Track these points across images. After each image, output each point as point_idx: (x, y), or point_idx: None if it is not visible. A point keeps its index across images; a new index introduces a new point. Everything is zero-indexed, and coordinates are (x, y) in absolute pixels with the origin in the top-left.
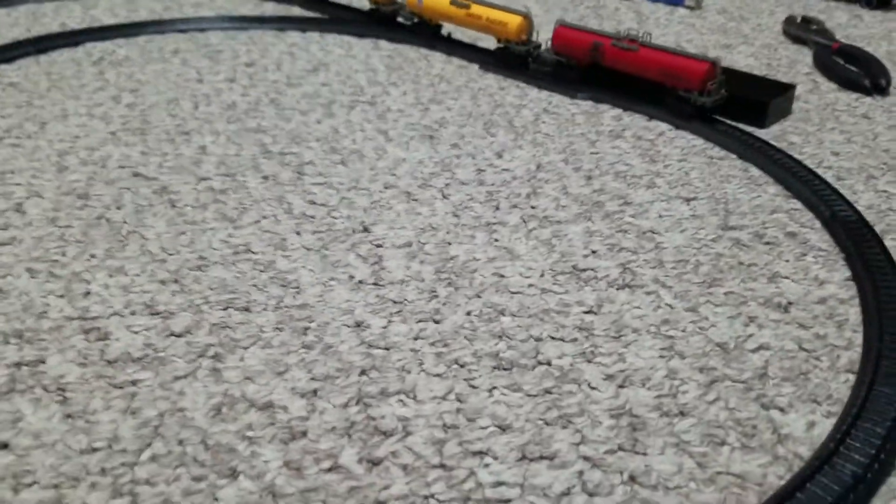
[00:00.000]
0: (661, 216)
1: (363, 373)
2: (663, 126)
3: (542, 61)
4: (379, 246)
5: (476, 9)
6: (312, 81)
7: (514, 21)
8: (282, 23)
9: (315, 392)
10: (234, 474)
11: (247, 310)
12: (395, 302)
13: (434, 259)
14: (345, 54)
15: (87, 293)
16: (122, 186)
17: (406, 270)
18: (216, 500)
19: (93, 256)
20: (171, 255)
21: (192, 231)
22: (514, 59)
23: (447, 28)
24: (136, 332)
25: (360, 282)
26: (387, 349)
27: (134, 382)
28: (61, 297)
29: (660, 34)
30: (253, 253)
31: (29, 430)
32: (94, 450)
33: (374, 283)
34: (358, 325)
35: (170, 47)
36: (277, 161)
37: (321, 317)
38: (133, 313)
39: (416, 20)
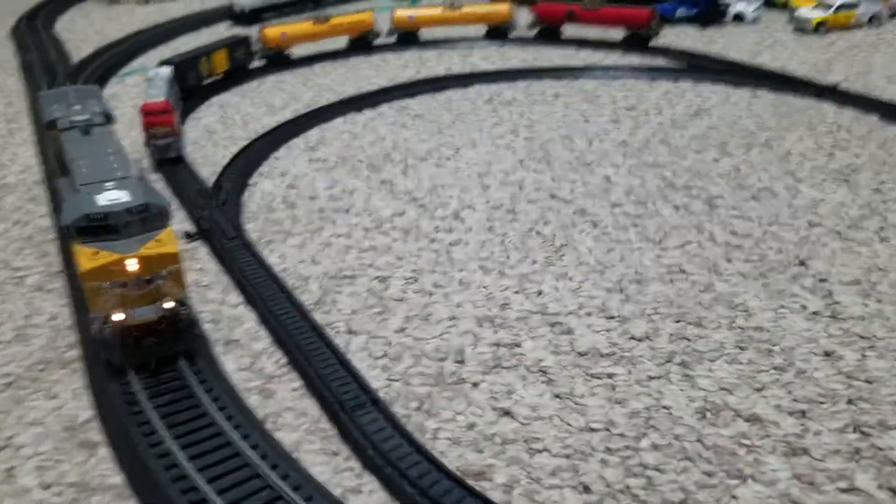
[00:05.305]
0: None
1: (850, 402)
2: None
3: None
4: (823, 280)
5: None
6: (697, 124)
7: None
8: (653, 72)
9: (803, 413)
10: (742, 476)
11: (699, 325)
12: (862, 337)
13: (894, 300)
14: (723, 101)
15: (540, 292)
16: (544, 206)
17: (864, 308)
18: (734, 497)
19: (534, 262)
20: (607, 267)
21: (619, 248)
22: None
23: (803, 70)
24: (597, 332)
25: (815, 313)
26: (869, 382)
27: (610, 375)
28: (517, 292)
29: None
30: (687, 273)
31: (523, 402)
32: (593, 430)
33: (831, 316)
34: (827, 354)
35: (550, 91)
36: (684, 193)
37: (783, 341)
38: (588, 314)
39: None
